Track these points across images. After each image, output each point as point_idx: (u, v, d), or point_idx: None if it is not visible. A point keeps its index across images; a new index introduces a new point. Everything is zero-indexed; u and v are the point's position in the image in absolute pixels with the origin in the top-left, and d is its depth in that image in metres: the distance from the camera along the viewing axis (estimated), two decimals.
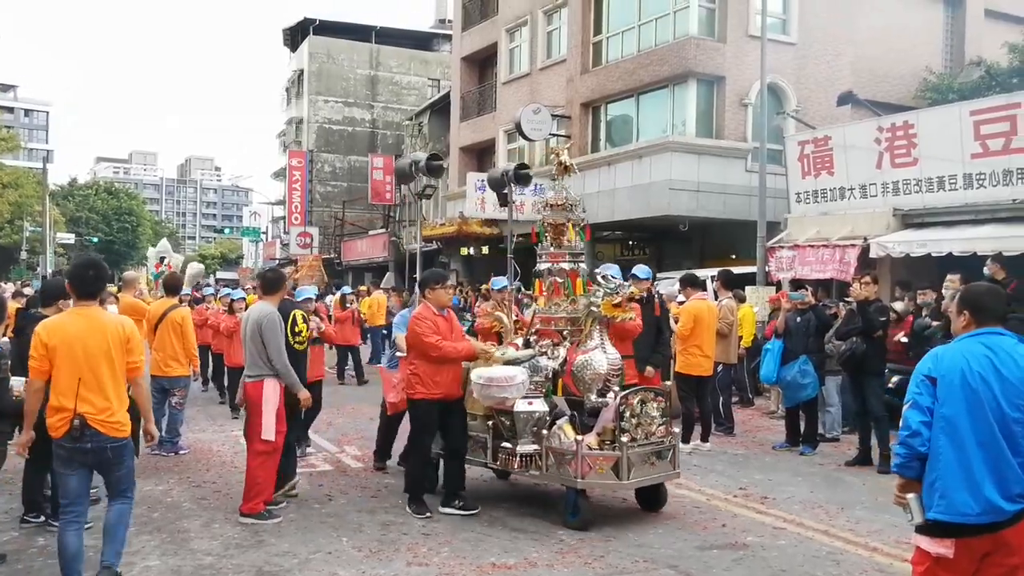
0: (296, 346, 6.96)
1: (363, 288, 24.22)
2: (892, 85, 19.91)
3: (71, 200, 69.03)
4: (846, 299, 10.74)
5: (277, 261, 47.20)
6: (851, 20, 19.67)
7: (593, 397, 6.53)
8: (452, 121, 29.64)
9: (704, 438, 9.42)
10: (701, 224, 19.31)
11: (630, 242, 24.64)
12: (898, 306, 10.48)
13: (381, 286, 24.81)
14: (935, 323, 9.55)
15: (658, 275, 13.55)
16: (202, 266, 27.24)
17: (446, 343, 6.52)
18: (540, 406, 6.49)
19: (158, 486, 7.36)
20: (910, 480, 3.50)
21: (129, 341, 4.75)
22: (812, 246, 14.51)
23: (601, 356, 6.50)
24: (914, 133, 13.51)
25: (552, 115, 21.13)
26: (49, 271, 36.82)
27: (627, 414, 6.31)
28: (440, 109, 33.72)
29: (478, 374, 6.51)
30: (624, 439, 6.20)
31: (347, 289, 16.28)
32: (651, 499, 6.77)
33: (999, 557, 3.41)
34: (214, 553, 5.62)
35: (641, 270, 9.19)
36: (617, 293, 6.56)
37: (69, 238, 53.10)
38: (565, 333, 6.90)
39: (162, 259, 22.43)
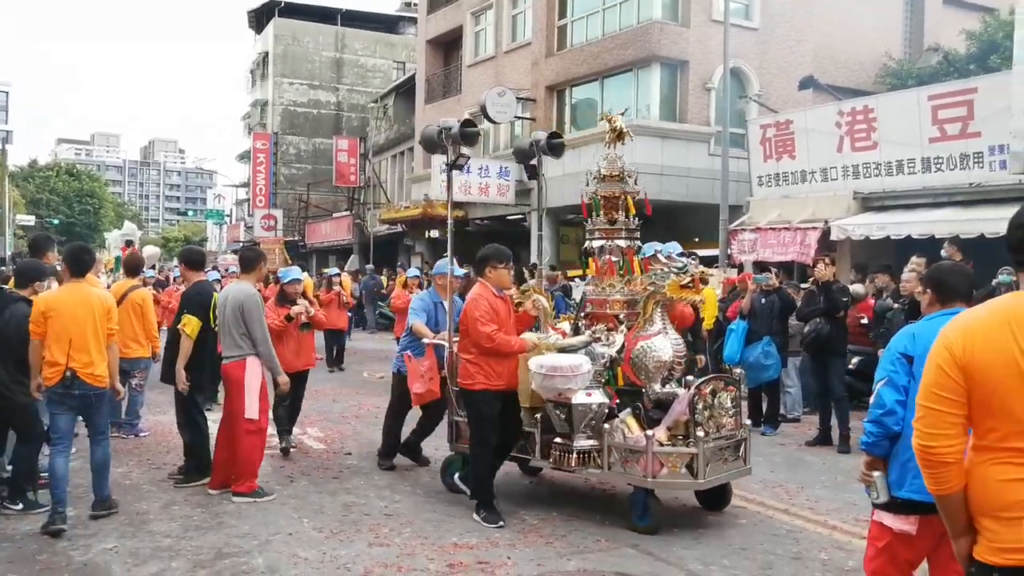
0: (215, 327, 6.73)
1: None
2: (852, 70, 20.15)
3: (31, 181, 67.60)
4: (803, 285, 10.88)
5: (241, 243, 46.60)
6: (812, 6, 19.83)
7: (656, 387, 5.93)
8: (417, 104, 29.45)
9: None
10: (665, 207, 19.37)
11: None
12: (859, 288, 10.64)
13: (345, 269, 24.66)
14: (896, 305, 9.71)
15: None
16: (158, 249, 26.57)
17: (500, 336, 5.85)
18: (599, 398, 5.88)
19: (117, 468, 7.22)
20: (877, 458, 3.47)
21: (109, 312, 5.83)
22: (774, 229, 14.68)
23: (664, 342, 5.88)
24: (874, 117, 13.69)
25: (517, 98, 21.10)
26: (8, 253, 36.02)
27: (700, 406, 5.71)
28: (405, 92, 33.49)
29: (538, 363, 5.82)
30: (699, 433, 5.62)
31: (334, 270, 15.84)
32: (716, 498, 6.21)
33: None
34: (173, 535, 5.56)
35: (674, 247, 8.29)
36: (686, 272, 5.90)
37: (29, 220, 52.01)
38: (621, 317, 6.30)
39: (128, 243, 21.95)
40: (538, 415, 6.13)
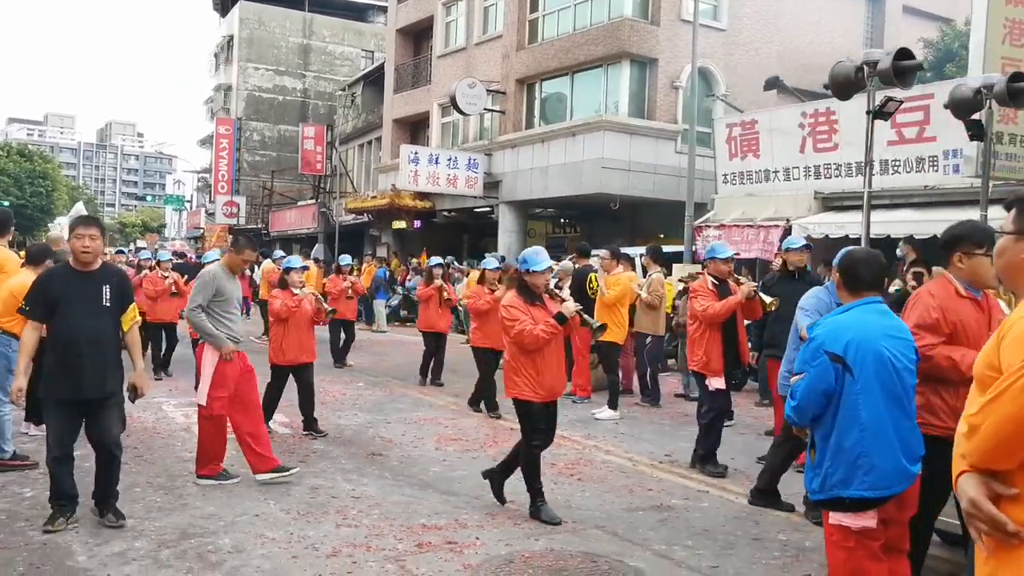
0: None
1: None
2: (816, 73, 20.46)
3: None
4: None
5: (201, 230, 46.09)
6: (778, 10, 20.19)
7: None
8: (386, 93, 29.31)
9: (612, 405, 9.55)
10: (632, 203, 19.61)
11: (562, 220, 24.86)
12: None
13: (312, 257, 24.49)
14: None
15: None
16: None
17: (971, 354, 3.59)
18: None
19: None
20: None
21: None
22: (737, 226, 14.90)
23: None
24: (835, 120, 13.97)
25: (487, 90, 21.14)
26: None
27: None
28: (374, 81, 33.31)
29: None
30: None
31: (346, 258, 14.83)
32: None
33: (899, 515, 3.59)
34: (135, 516, 5.52)
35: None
36: None
37: None
38: None
39: None
40: None
